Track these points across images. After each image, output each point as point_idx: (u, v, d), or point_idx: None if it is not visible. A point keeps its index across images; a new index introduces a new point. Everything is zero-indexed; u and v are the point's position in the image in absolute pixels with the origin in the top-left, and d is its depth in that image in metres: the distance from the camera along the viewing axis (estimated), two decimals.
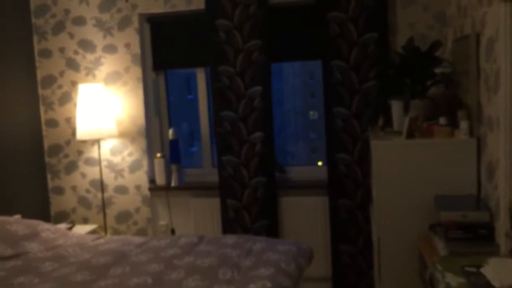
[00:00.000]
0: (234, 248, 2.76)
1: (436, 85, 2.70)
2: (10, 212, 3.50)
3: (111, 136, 3.61)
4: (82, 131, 3.53)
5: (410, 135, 2.44)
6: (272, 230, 3.52)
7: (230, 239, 2.92)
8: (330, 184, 3.41)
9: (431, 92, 2.73)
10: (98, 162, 3.75)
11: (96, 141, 3.76)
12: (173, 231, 3.77)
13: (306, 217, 3.52)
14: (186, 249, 2.79)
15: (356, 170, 3.36)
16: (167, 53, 3.71)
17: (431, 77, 2.65)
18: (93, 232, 3.60)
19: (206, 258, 2.61)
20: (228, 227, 3.58)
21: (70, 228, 3.48)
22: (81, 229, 3.56)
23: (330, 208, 3.42)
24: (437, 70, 2.69)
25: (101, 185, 3.69)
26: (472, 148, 2.34)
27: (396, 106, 2.65)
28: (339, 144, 3.37)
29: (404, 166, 2.43)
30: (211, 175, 3.78)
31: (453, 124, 2.50)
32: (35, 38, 3.81)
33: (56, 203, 3.92)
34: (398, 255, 2.46)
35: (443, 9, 3.20)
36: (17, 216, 3.32)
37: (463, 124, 2.34)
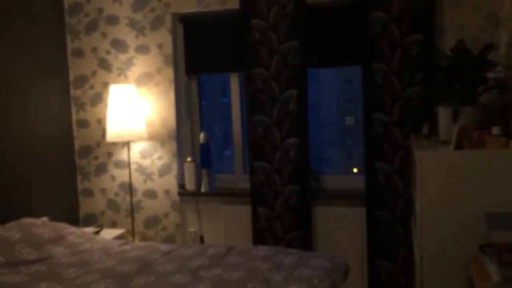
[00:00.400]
0: (264, 261, 2.60)
1: (488, 91, 2.47)
2: (38, 214, 3.45)
3: (141, 139, 3.52)
4: (112, 132, 3.45)
5: (459, 145, 2.23)
6: (305, 241, 3.35)
7: (261, 251, 2.77)
8: (368, 194, 3.21)
9: (482, 99, 2.50)
10: (128, 164, 3.67)
11: (126, 144, 3.68)
12: (202, 239, 3.65)
13: (342, 229, 3.33)
14: (214, 260, 2.65)
15: (396, 180, 3.15)
16: (200, 55, 3.59)
17: (483, 83, 2.42)
18: (120, 237, 3.51)
19: (235, 271, 2.47)
20: (259, 236, 3.42)
21: (97, 232, 3.40)
22: (108, 233, 3.47)
23: (368, 220, 3.22)
24: (490, 75, 2.46)
25: (130, 189, 3.60)
26: None
27: (443, 113, 2.44)
28: (378, 152, 3.17)
29: (452, 179, 2.21)
30: (243, 181, 3.63)
31: (508, 134, 2.27)
32: (68, 38, 3.76)
33: (85, 206, 3.86)
34: (443, 276, 2.25)
35: (495, 10, 2.96)
36: (45, 218, 3.26)
37: None
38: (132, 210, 3.63)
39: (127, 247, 2.94)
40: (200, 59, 3.59)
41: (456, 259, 2.23)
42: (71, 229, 3.08)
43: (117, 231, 3.54)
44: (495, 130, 2.27)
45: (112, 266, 2.60)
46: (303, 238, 3.35)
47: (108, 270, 2.55)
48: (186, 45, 3.63)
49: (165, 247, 2.90)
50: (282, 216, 3.37)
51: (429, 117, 2.68)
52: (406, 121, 3.08)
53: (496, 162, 2.17)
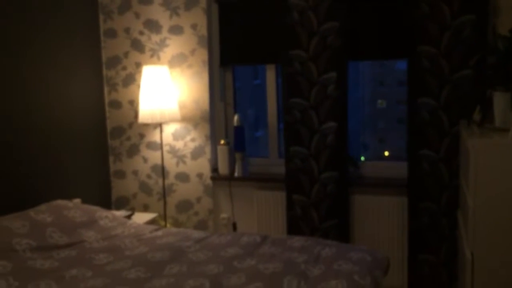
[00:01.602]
0: (300, 252, 2.48)
1: None
2: (71, 195, 3.42)
3: (173, 120, 3.42)
4: (145, 114, 3.36)
5: None
6: (342, 231, 3.21)
7: (297, 241, 2.64)
8: (411, 183, 3.04)
9: None
10: (160, 146, 3.58)
11: (158, 125, 3.60)
12: (234, 226, 3.55)
13: (381, 219, 3.17)
14: (248, 250, 2.55)
15: (441, 170, 2.97)
16: (235, 39, 3.45)
17: None
18: (152, 221, 3.45)
19: (270, 262, 2.36)
20: (294, 225, 3.31)
21: (129, 216, 3.34)
22: (140, 217, 3.41)
23: (410, 211, 3.05)
24: None
25: (162, 172, 3.52)
26: None
27: (499, 99, 2.24)
28: (423, 139, 2.98)
29: (510, 171, 2.03)
30: (278, 166, 3.51)
31: None
32: (101, 18, 3.67)
33: (118, 188, 3.81)
34: (496, 277, 2.08)
35: None
36: (77, 200, 3.22)
37: None
38: (164, 193, 3.56)
39: (159, 233, 2.86)
40: (236, 45, 3.45)
41: (511, 259, 2.06)
42: (103, 212, 3.03)
43: (149, 215, 3.48)
44: None
45: (144, 253, 2.53)
46: (340, 228, 3.22)
47: (139, 257, 2.48)
48: (221, 26, 3.49)
49: (197, 234, 2.82)
50: (319, 204, 3.24)
51: (482, 103, 2.48)
52: (454, 106, 2.88)
53: None
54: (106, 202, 3.78)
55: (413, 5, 2.90)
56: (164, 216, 3.58)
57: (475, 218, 2.09)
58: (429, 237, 3.02)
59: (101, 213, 3.01)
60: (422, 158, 3.00)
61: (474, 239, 2.11)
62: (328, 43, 3.10)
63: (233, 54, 3.50)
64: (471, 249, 2.12)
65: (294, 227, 3.31)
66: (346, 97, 3.15)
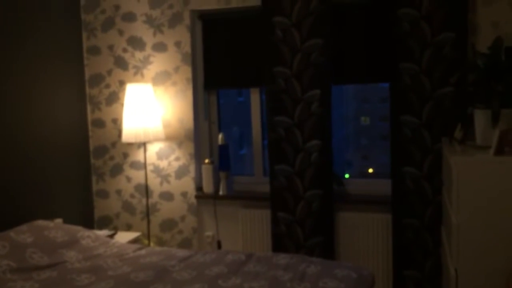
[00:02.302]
0: (286, 270, 2.47)
1: None
2: (52, 215, 3.36)
3: (157, 139, 3.40)
4: (128, 133, 3.34)
5: (500, 151, 2.07)
6: (327, 248, 3.20)
7: (282, 258, 2.63)
8: (395, 200, 3.06)
9: None
10: (144, 166, 3.55)
11: (142, 144, 3.57)
12: (219, 244, 3.52)
13: (366, 235, 3.17)
14: (233, 268, 2.53)
15: (425, 186, 2.99)
16: (219, 58, 3.46)
17: None
18: (135, 240, 3.40)
19: (255, 280, 2.34)
20: (279, 242, 3.29)
21: (112, 235, 3.29)
22: (123, 237, 3.37)
23: (394, 227, 3.06)
24: None
25: (146, 191, 3.49)
26: None
27: (480, 116, 2.27)
28: (406, 156, 3.01)
29: (492, 188, 2.05)
30: (263, 184, 3.50)
31: None
32: (84, 35, 3.66)
33: (100, 207, 3.76)
34: None
35: None
36: (59, 220, 3.16)
37: None
38: (148, 212, 3.52)
39: (143, 252, 2.83)
40: (220, 65, 3.46)
41: (495, 275, 2.07)
42: (85, 232, 2.98)
43: (132, 234, 3.43)
44: None
45: (127, 273, 2.49)
46: (325, 245, 3.21)
47: (122, 277, 2.44)
48: (205, 43, 3.50)
49: (181, 253, 2.79)
50: (304, 221, 3.23)
51: (463, 120, 2.51)
52: (436, 123, 2.92)
53: None
54: (89, 222, 3.73)
55: (395, 23, 2.95)
56: (147, 235, 3.54)
57: (458, 234, 2.11)
58: (414, 253, 3.03)
59: (83, 232, 2.96)
60: (406, 175, 3.02)
61: (457, 256, 2.11)
62: (312, 60, 3.13)
63: (217, 75, 3.50)
64: (455, 265, 2.13)
65: (279, 245, 3.29)
66: (330, 115, 3.17)
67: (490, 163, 2.05)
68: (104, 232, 3.29)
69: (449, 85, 2.86)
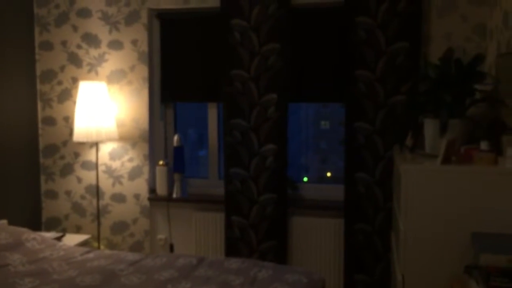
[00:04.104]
0: (237, 275, 2.45)
1: (475, 104, 2.38)
2: None
3: (111, 139, 3.32)
4: (80, 132, 3.24)
5: (447, 160, 2.12)
6: (280, 252, 3.21)
7: (234, 263, 2.61)
8: (347, 205, 3.10)
9: (469, 112, 2.40)
10: (96, 166, 3.46)
11: (94, 144, 3.48)
12: (171, 247, 3.47)
13: (319, 240, 3.20)
14: (184, 273, 2.49)
15: (376, 192, 3.04)
16: (177, 60, 3.41)
17: (471, 95, 2.32)
18: (84, 243, 3.31)
19: (205, 285, 2.31)
20: (232, 246, 3.27)
21: (60, 238, 3.18)
22: (72, 239, 3.26)
23: (346, 232, 3.10)
24: (477, 88, 2.36)
25: (97, 192, 3.40)
26: None
27: (430, 126, 2.33)
28: (360, 162, 3.05)
29: (438, 196, 2.10)
30: (217, 187, 3.47)
31: (496, 150, 2.17)
32: (37, 30, 3.54)
33: (49, 208, 3.64)
34: None
35: (484, 21, 2.88)
36: (3, 222, 3.04)
37: (511, 152, 2.01)
38: (99, 214, 3.43)
39: (91, 255, 2.74)
40: (177, 71, 3.40)
41: (440, 280, 2.12)
42: (31, 234, 2.87)
43: (81, 237, 3.33)
44: (484, 145, 2.17)
45: (73, 277, 2.41)
46: (278, 249, 3.21)
47: (67, 281, 2.36)
48: (163, 42, 3.45)
49: (131, 256, 2.72)
50: (257, 226, 3.22)
51: (414, 129, 2.57)
52: (389, 131, 2.98)
53: (485, 179, 2.06)
54: (36, 224, 3.60)
55: (351, 31, 2.99)
56: (97, 238, 3.44)
57: (405, 241, 2.14)
58: (364, 257, 3.07)
59: (28, 235, 2.85)
60: (358, 180, 3.06)
61: (404, 262, 2.15)
62: (270, 64, 3.13)
63: (175, 81, 3.42)
64: (402, 271, 2.17)
65: (232, 249, 3.27)
66: (286, 119, 3.18)
67: (437, 172, 2.10)
68: (51, 234, 3.18)
69: (402, 94, 2.92)
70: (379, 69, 2.96)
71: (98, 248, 3.44)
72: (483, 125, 2.40)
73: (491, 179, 2.05)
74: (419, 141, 2.59)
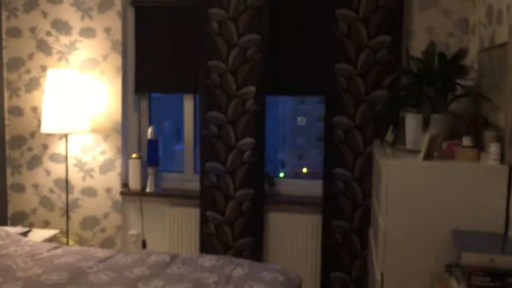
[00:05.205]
0: (211, 272, 2.36)
1: (457, 99, 2.33)
2: None
3: (81, 131, 3.19)
4: (48, 123, 3.09)
5: (429, 155, 2.07)
6: (256, 249, 3.13)
7: (208, 260, 2.52)
8: (325, 201, 3.03)
9: (451, 107, 2.36)
10: (65, 159, 3.31)
11: (64, 136, 3.33)
12: (144, 243, 3.35)
13: (296, 237, 3.13)
14: (156, 270, 2.39)
15: (355, 188, 2.98)
16: (152, 50, 3.29)
17: (453, 90, 2.28)
18: (52, 239, 3.17)
19: (178, 283, 2.21)
20: (207, 242, 3.17)
21: (26, 233, 3.04)
22: (39, 235, 3.12)
23: (323, 228, 3.04)
24: (460, 82, 2.32)
25: (66, 185, 3.25)
26: (502, 176, 1.97)
27: (411, 120, 2.27)
28: (338, 158, 2.99)
29: (419, 192, 2.05)
30: (193, 182, 3.37)
31: (478, 145, 2.13)
32: (4, 15, 3.37)
33: (15, 202, 3.48)
34: None
35: (466, 16, 2.84)
36: None
37: (494, 148, 1.97)
38: (67, 208, 3.29)
39: (58, 251, 2.62)
40: (153, 60, 3.27)
41: (420, 279, 2.07)
42: None
43: (49, 232, 3.19)
44: (466, 141, 2.13)
45: (38, 275, 2.29)
46: (254, 246, 3.13)
47: (32, 279, 2.23)
48: (137, 31, 3.32)
49: (101, 253, 2.61)
50: (233, 222, 3.13)
51: (395, 124, 2.51)
52: (369, 126, 2.92)
53: (467, 176, 2.02)
54: (1, 218, 3.44)
55: (332, 24, 2.92)
56: (66, 233, 3.30)
57: (385, 238, 2.09)
58: (341, 255, 3.01)
59: None
60: (337, 176, 3.00)
61: (383, 260, 2.10)
62: (248, 56, 3.04)
63: (150, 71, 3.30)
64: (381, 269, 2.11)
65: (207, 245, 3.18)
66: (264, 113, 3.09)
67: (419, 168, 2.05)
68: (16, 229, 3.03)
69: (383, 88, 2.87)
70: (360, 63, 2.90)
71: (67, 244, 3.30)
72: (465, 120, 2.36)
73: (474, 175, 2.01)
74: (400, 137, 2.53)
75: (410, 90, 2.31)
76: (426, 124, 2.12)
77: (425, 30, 2.89)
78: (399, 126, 2.48)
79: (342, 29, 2.91)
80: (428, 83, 2.19)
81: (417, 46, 2.88)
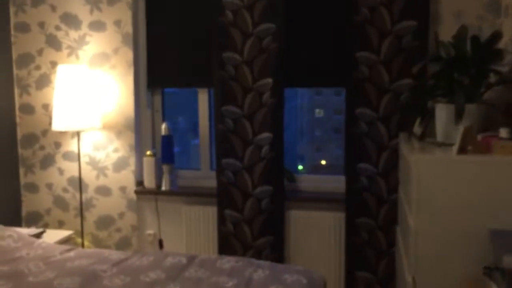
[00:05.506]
0: (230, 276, 2.24)
1: (491, 88, 2.15)
2: None
3: (93, 128, 3.08)
4: (60, 120, 3.00)
5: (463, 149, 1.90)
6: (277, 248, 3.00)
7: (227, 262, 2.40)
8: (349, 198, 2.88)
9: (485, 96, 2.18)
10: (78, 157, 3.20)
11: (76, 133, 3.23)
12: (161, 243, 3.25)
13: (318, 235, 2.99)
14: (172, 273, 2.27)
15: (380, 184, 2.82)
16: (164, 42, 3.16)
17: (486, 77, 2.10)
18: (67, 240, 3.08)
19: (195, 287, 2.09)
20: (225, 242, 3.05)
21: (40, 234, 2.95)
22: (53, 236, 3.03)
23: (347, 226, 2.89)
24: (494, 68, 2.14)
25: (79, 184, 3.16)
26: None
27: (442, 111, 2.11)
28: (361, 152, 2.83)
29: (453, 189, 1.89)
30: (210, 179, 3.24)
31: None
32: (12, 10, 3.27)
33: (29, 202, 3.40)
34: None
35: None
36: None
37: None
38: (81, 208, 3.19)
39: (71, 254, 2.52)
40: (165, 53, 3.14)
41: (454, 282, 1.91)
42: (6, 231, 2.65)
43: (63, 233, 3.10)
44: (503, 133, 1.95)
45: (50, 279, 2.19)
46: (274, 245, 3.00)
47: (44, 284, 2.14)
48: (149, 23, 3.19)
49: (115, 255, 2.50)
50: (252, 220, 3.00)
51: (423, 115, 2.34)
52: (394, 118, 2.75)
53: (505, 171, 1.85)
54: (15, 219, 3.36)
55: (353, 10, 2.75)
56: (81, 234, 3.21)
57: (416, 240, 1.93)
58: (367, 254, 2.86)
59: (3, 232, 2.63)
60: (360, 172, 2.84)
61: (416, 263, 1.94)
62: (264, 46, 2.89)
63: (162, 66, 3.17)
64: (413, 273, 1.96)
65: (225, 245, 3.06)
66: (282, 106, 2.95)
67: (453, 163, 1.88)
68: (30, 231, 2.95)
69: (409, 77, 2.69)
70: (384, 50, 2.73)
71: (82, 245, 3.21)
72: (500, 110, 2.18)
73: None
74: (428, 129, 2.36)
75: (440, 78, 2.14)
76: (459, 115, 1.95)
77: (453, 13, 2.70)
78: (428, 118, 2.31)
79: (363, 14, 2.74)
80: (461, 70, 2.02)
81: (445, 31, 2.70)
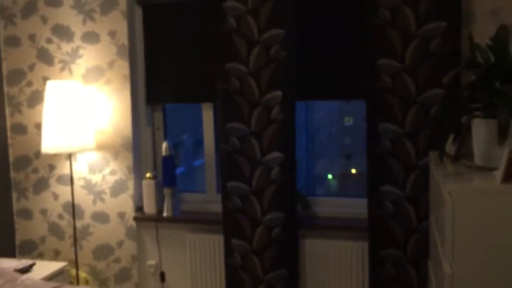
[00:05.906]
0: None
1: None
2: None
3: (86, 149, 2.81)
4: (49, 141, 2.73)
5: (509, 176, 1.52)
6: (291, 283, 2.64)
7: None
8: (372, 225, 2.51)
9: None
10: (70, 181, 2.92)
11: (69, 155, 2.96)
12: (163, 275, 2.93)
13: (337, 268, 2.62)
14: None
15: (408, 210, 2.44)
16: (162, 54, 2.87)
17: None
18: (60, 272, 2.78)
19: None
20: (233, 275, 2.72)
21: (29, 267, 2.67)
22: (45, 268, 2.74)
23: (371, 258, 2.51)
24: None
25: (72, 210, 2.88)
26: None
27: (481, 128, 1.73)
28: (385, 172, 2.46)
29: (497, 226, 1.52)
30: (217, 203, 2.92)
31: None
32: (1, 23, 3.04)
33: (22, 230, 3.15)
34: None
35: None
36: None
37: None
38: (76, 237, 2.91)
39: None
40: (164, 66, 2.86)
41: None
42: None
43: (57, 264, 2.80)
44: None
45: None
46: (288, 279, 2.65)
47: None
48: (146, 33, 2.91)
49: None
50: (262, 251, 2.66)
51: (457, 131, 1.96)
52: (422, 134, 2.38)
53: None
54: (9, 248, 3.11)
55: (371, 11, 2.40)
56: (75, 265, 2.93)
57: (453, 280, 1.56)
58: None
59: None
60: (384, 195, 2.47)
61: None
62: (272, 55, 2.56)
63: (162, 79, 2.88)
64: None
65: (233, 278, 2.72)
66: (293, 122, 2.61)
67: (497, 194, 1.51)
68: (19, 263, 2.67)
69: (438, 87, 2.32)
70: (409, 56, 2.36)
71: (76, 278, 2.92)
72: None
73: None
74: (463, 148, 1.99)
75: (477, 88, 1.77)
76: (503, 133, 1.57)
77: (489, 11, 2.32)
78: (463, 135, 1.93)
79: (383, 16, 2.38)
80: (503, 78, 1.64)
81: (480, 32, 2.31)
